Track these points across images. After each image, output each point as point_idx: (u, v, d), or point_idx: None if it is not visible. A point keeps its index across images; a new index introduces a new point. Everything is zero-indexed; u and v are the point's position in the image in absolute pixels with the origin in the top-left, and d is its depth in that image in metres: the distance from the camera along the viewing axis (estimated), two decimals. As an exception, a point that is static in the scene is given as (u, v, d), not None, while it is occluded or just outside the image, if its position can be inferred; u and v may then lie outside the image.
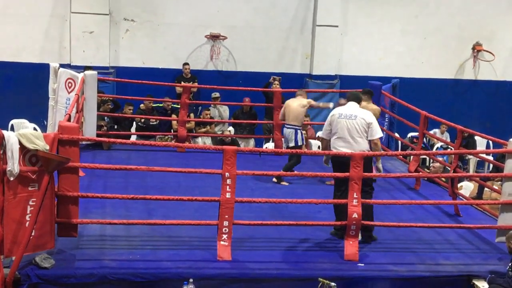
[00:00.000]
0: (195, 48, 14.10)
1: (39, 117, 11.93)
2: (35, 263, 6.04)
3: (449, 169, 9.41)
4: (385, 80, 12.17)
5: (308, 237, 7.37)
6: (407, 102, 10.89)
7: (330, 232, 7.49)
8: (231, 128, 12.89)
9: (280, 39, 14.43)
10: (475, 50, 15.01)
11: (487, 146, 13.43)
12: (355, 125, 7.27)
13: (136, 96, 12.11)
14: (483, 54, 15.11)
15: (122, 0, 13.71)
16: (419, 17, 14.83)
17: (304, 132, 10.45)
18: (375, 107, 9.82)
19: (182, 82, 12.81)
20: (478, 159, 12.52)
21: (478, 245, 7.55)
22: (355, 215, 6.81)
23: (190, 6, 13.94)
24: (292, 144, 9.65)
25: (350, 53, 14.68)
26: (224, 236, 6.63)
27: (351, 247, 6.87)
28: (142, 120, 11.91)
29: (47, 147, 5.87)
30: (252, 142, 12.57)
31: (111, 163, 8.32)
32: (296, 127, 9.68)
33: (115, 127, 11.79)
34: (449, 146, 11.49)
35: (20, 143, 5.77)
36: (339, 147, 7.28)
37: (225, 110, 13.02)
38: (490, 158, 10.24)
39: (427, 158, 12.62)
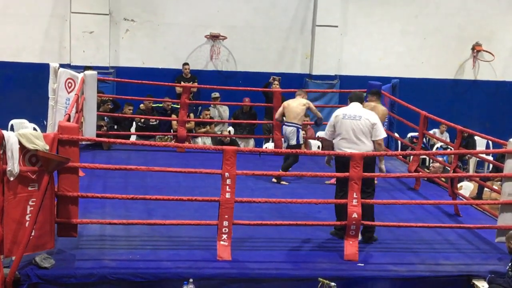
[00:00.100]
0: (195, 48, 14.10)
1: (39, 117, 11.93)
2: (35, 263, 6.04)
3: (449, 169, 9.41)
4: (385, 80, 12.16)
5: (308, 237, 7.37)
6: (407, 102, 10.89)
7: (330, 232, 7.49)
8: (231, 128, 12.89)
9: (280, 39, 14.44)
10: (475, 50, 15.01)
11: (487, 146, 13.43)
12: (360, 126, 7.24)
13: (136, 96, 12.10)
14: (482, 54, 15.11)
15: (122, 0, 13.72)
16: (419, 17, 14.84)
17: (303, 132, 10.45)
18: (383, 107, 9.81)
19: (182, 82, 12.81)
20: (478, 159, 12.53)
21: (478, 245, 7.54)
22: (355, 215, 6.81)
23: (190, 6, 13.95)
24: (293, 142, 9.64)
25: (350, 53, 14.69)
26: (224, 236, 6.63)
27: (351, 247, 6.87)
28: (142, 120, 11.91)
29: (47, 147, 5.87)
30: (252, 142, 12.57)
31: (111, 163, 8.33)
32: (297, 126, 9.68)
33: (115, 127, 11.78)
34: (449, 146, 11.50)
35: (20, 143, 5.77)
36: (344, 148, 7.24)
37: (225, 110, 13.02)
38: (490, 158, 10.24)
39: (427, 158, 12.62)
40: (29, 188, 5.89)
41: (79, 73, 9.87)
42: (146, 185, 8.72)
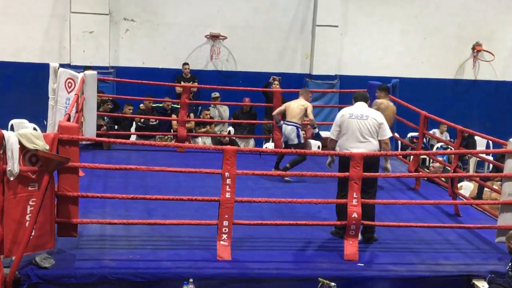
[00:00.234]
0: (195, 48, 14.10)
1: (39, 117, 11.94)
2: (35, 263, 6.04)
3: (449, 169, 9.41)
4: (385, 80, 12.13)
5: (308, 237, 7.36)
6: (407, 102, 10.89)
7: (331, 231, 7.49)
8: (231, 128, 12.89)
9: (280, 39, 14.44)
10: (475, 50, 15.02)
11: (487, 146, 13.42)
12: (367, 125, 7.22)
13: (136, 96, 12.11)
14: (483, 54, 15.11)
15: (122, 0, 13.72)
16: (419, 17, 14.84)
17: (303, 132, 10.46)
18: (394, 106, 9.82)
19: (182, 82, 12.81)
20: (478, 159, 12.52)
21: (478, 245, 7.54)
22: (354, 215, 6.81)
23: (190, 6, 13.95)
24: (296, 142, 9.74)
25: (350, 53, 14.69)
26: (224, 236, 6.63)
27: (351, 247, 6.86)
28: (142, 120, 11.90)
29: (47, 147, 5.86)
30: (252, 142, 12.57)
31: (111, 163, 8.31)
32: (297, 125, 9.73)
33: (115, 127, 11.79)
34: (449, 146, 11.50)
35: (20, 143, 5.77)
36: (349, 148, 7.19)
37: (225, 110, 13.01)
38: (490, 158, 10.24)
39: (427, 158, 12.62)
40: (29, 188, 5.88)
41: (79, 73, 9.87)
42: (146, 185, 8.72)
